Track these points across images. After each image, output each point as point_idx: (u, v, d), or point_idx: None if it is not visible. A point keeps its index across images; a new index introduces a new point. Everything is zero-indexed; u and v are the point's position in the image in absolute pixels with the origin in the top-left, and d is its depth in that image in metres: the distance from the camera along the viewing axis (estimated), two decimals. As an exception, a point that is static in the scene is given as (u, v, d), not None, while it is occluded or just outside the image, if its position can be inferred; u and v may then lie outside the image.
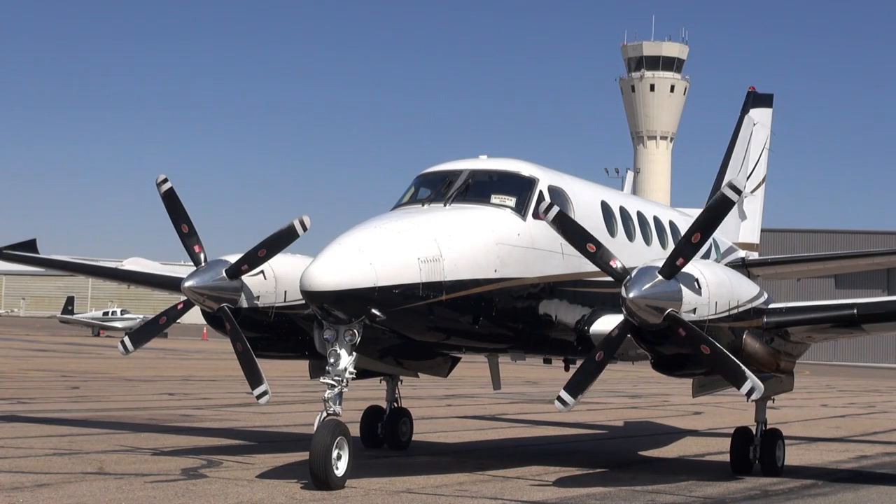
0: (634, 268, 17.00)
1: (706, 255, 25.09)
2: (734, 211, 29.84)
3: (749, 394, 16.70)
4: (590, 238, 17.06)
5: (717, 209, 16.82)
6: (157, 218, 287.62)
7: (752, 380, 16.66)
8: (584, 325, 19.06)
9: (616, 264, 16.96)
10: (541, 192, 18.57)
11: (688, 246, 16.81)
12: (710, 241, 25.96)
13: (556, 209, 16.95)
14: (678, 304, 16.69)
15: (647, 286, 16.56)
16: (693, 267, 17.19)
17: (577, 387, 16.99)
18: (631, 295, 16.52)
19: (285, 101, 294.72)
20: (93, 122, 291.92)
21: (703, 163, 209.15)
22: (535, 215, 18.25)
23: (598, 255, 17.00)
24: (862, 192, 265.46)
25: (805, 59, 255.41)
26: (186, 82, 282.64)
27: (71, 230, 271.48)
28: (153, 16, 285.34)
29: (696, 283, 16.93)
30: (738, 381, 16.72)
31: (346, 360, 16.32)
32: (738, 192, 16.73)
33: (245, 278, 18.72)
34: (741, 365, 16.86)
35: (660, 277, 16.66)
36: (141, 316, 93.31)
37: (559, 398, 16.96)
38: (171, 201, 19.56)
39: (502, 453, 22.17)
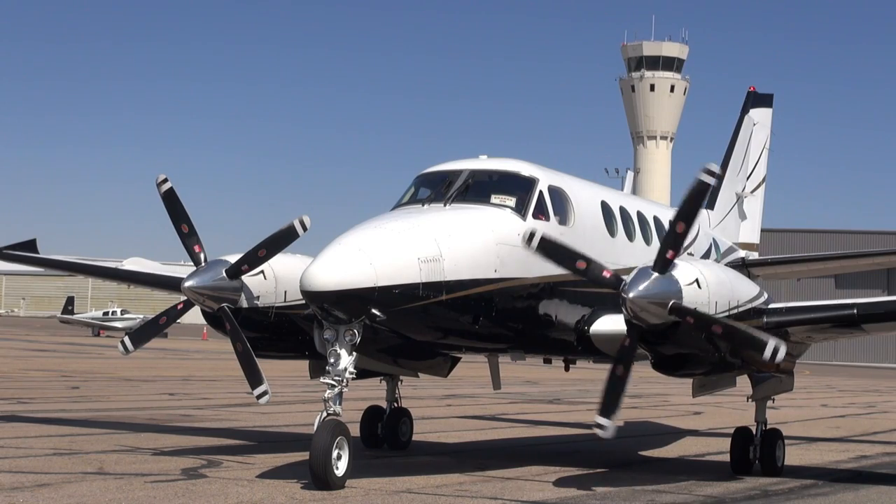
0: (633, 268, 17.00)
1: (706, 255, 25.11)
2: (734, 211, 29.90)
3: (774, 354, 16.36)
4: (578, 256, 16.94)
5: (695, 196, 16.72)
6: (157, 218, 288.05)
7: (773, 341, 16.40)
8: (584, 325, 19.06)
9: (608, 275, 16.91)
10: (541, 192, 18.57)
11: (674, 237, 16.78)
12: (710, 241, 26.02)
13: (538, 237, 16.66)
14: (679, 300, 16.68)
15: (646, 284, 16.56)
16: (693, 267, 17.19)
17: (609, 407, 16.86)
18: (632, 295, 16.52)
19: (285, 101, 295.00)
20: (93, 123, 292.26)
21: (703, 163, 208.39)
22: (536, 215, 18.26)
23: (590, 270, 16.91)
24: (862, 192, 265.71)
25: (805, 59, 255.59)
26: (186, 83, 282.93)
27: (71, 230, 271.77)
28: (153, 17, 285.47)
29: (696, 283, 16.93)
30: (759, 346, 16.46)
31: (346, 360, 16.31)
32: (714, 174, 16.67)
33: (245, 278, 18.72)
34: (756, 331, 16.73)
35: (655, 274, 16.67)
36: (141, 316, 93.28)
37: (597, 425, 16.85)
38: (171, 201, 19.56)
39: (502, 453, 22.17)
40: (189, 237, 19.41)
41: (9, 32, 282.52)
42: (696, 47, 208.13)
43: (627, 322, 16.87)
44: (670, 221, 17.05)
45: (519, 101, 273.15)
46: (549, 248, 16.86)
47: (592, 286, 18.54)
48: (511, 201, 18.16)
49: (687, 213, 16.80)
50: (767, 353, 16.42)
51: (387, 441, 22.20)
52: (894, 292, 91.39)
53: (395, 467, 19.08)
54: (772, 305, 18.42)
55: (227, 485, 16.19)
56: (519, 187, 18.48)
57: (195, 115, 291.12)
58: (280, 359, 20.50)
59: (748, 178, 30.99)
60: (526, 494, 16.39)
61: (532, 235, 16.73)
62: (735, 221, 29.98)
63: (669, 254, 16.74)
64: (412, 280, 16.15)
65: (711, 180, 16.65)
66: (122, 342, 20.32)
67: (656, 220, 22.59)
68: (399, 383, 22.52)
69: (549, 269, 18.23)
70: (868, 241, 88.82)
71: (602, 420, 16.81)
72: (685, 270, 16.99)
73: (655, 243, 21.85)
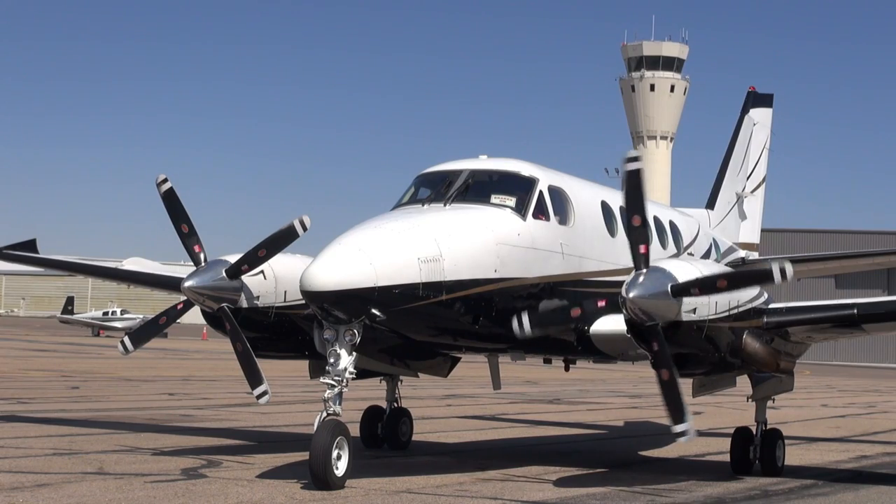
0: (633, 268, 16.99)
1: (706, 255, 25.12)
2: (734, 211, 29.92)
3: (678, 435, 16.81)
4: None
5: (633, 185, 17.00)
6: (157, 218, 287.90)
7: (776, 263, 16.31)
8: (584, 325, 19.03)
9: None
10: (541, 192, 18.56)
11: (635, 232, 16.97)
12: (710, 241, 26.05)
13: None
14: (678, 305, 16.69)
15: (647, 285, 16.60)
16: (693, 267, 17.19)
17: (676, 412, 16.86)
18: (632, 295, 16.51)
19: (285, 101, 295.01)
20: (93, 123, 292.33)
21: (703, 163, 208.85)
22: (536, 215, 18.26)
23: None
24: (862, 192, 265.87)
25: (805, 59, 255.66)
26: (186, 83, 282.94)
27: (71, 230, 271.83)
28: (153, 17, 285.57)
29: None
30: (766, 275, 16.37)
31: (346, 360, 16.31)
32: (636, 158, 17.08)
33: (245, 278, 18.72)
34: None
35: (657, 275, 16.73)
36: (141, 316, 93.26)
37: (677, 434, 16.87)
38: (171, 201, 19.56)
39: (502, 453, 22.17)
40: (189, 237, 19.41)
41: (9, 32, 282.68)
42: (696, 47, 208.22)
43: (628, 321, 16.85)
44: (625, 219, 17.22)
45: (519, 101, 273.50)
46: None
47: (593, 286, 18.56)
48: (511, 201, 18.15)
49: (635, 206, 16.93)
50: (776, 273, 16.19)
51: (387, 441, 22.19)
52: (894, 292, 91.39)
53: (395, 467, 19.08)
54: (772, 305, 18.42)
55: (227, 485, 16.19)
56: (519, 187, 18.47)
57: (195, 115, 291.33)
58: (280, 359, 20.49)
59: (748, 178, 30.99)
60: (526, 494, 16.39)
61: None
62: (735, 221, 29.98)
63: (642, 248, 16.89)
64: (412, 280, 16.15)
65: (637, 165, 16.98)
66: (122, 342, 20.32)
67: (656, 220, 22.59)
68: (399, 383, 22.51)
69: (549, 269, 18.24)
70: (868, 241, 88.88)
71: (678, 427, 16.81)
72: (685, 270, 16.99)
73: (656, 243, 21.86)
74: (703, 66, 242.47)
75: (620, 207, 21.18)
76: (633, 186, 16.89)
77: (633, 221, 16.86)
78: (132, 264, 24.95)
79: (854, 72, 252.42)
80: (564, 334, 19.05)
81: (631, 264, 17.53)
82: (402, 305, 16.17)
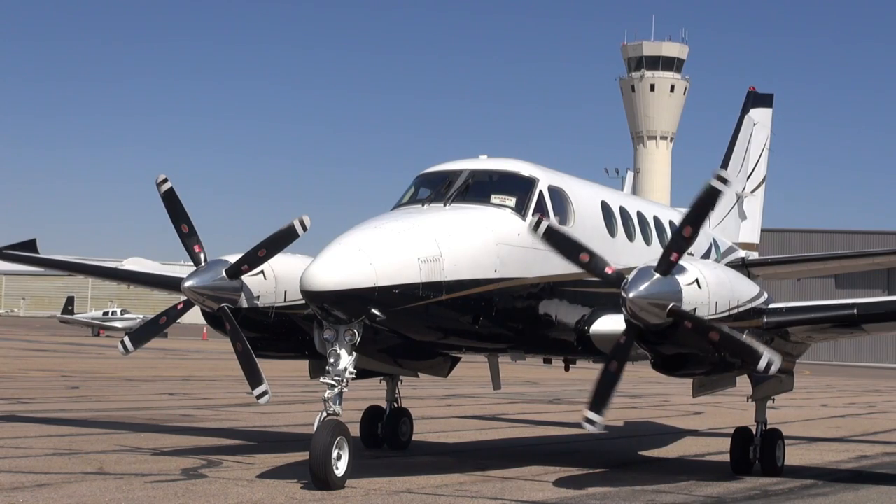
0: (633, 268, 16.97)
1: (706, 255, 25.11)
2: (734, 211, 29.90)
3: (768, 367, 16.47)
4: (582, 248, 16.90)
5: (705, 201, 16.64)
6: (157, 218, 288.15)
7: (768, 353, 16.48)
8: (584, 325, 19.06)
9: (611, 271, 16.87)
10: (541, 192, 18.56)
11: (680, 240, 16.75)
12: (710, 241, 26.02)
13: (545, 224, 16.76)
14: (679, 303, 16.68)
15: (646, 285, 16.53)
16: (693, 267, 17.18)
17: (600, 402, 16.81)
18: (631, 295, 16.50)
19: (285, 101, 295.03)
20: (93, 123, 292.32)
21: (703, 163, 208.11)
22: (536, 215, 18.23)
23: (593, 264, 16.90)
24: (862, 192, 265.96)
25: (805, 59, 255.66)
26: (186, 83, 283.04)
27: (71, 230, 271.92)
28: (153, 16, 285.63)
29: (696, 283, 16.91)
30: (754, 357, 16.51)
31: (346, 360, 16.31)
32: (725, 181, 16.65)
33: (245, 278, 18.72)
34: (752, 342, 16.75)
35: (657, 275, 16.62)
36: (141, 316, 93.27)
37: (586, 419, 16.75)
38: (171, 201, 19.56)
39: (502, 453, 22.17)
40: (189, 237, 19.41)
41: (9, 32, 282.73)
42: (696, 47, 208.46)
43: (626, 321, 16.85)
44: (678, 224, 17.00)
45: (519, 101, 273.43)
46: (555, 238, 16.83)
47: (592, 286, 18.53)
48: (511, 201, 18.16)
49: (695, 218, 16.69)
50: (762, 364, 16.49)
51: (387, 441, 22.19)
52: (894, 292, 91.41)
53: (395, 467, 19.08)
54: (772, 305, 18.41)
55: (227, 485, 16.19)
56: (519, 187, 18.47)
57: (195, 115, 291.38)
58: (280, 359, 20.49)
59: (748, 178, 30.99)
60: (526, 494, 16.39)
61: (539, 222, 16.73)
62: (735, 221, 29.97)
63: (673, 256, 16.69)
64: (412, 280, 16.15)
65: (723, 187, 16.59)
66: (122, 342, 20.32)
67: (656, 220, 22.59)
68: (399, 383, 22.51)
69: (549, 269, 18.23)
70: (868, 241, 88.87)
71: (591, 415, 16.75)
72: (685, 270, 16.98)
73: (655, 243, 21.85)
74: (703, 66, 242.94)
75: (620, 207, 21.22)
76: (706, 202, 16.68)
77: (685, 231, 16.71)
78: (132, 264, 25.02)
79: (854, 72, 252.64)
80: (564, 334, 19.08)
81: (631, 264, 17.52)
82: (402, 305, 16.17)
